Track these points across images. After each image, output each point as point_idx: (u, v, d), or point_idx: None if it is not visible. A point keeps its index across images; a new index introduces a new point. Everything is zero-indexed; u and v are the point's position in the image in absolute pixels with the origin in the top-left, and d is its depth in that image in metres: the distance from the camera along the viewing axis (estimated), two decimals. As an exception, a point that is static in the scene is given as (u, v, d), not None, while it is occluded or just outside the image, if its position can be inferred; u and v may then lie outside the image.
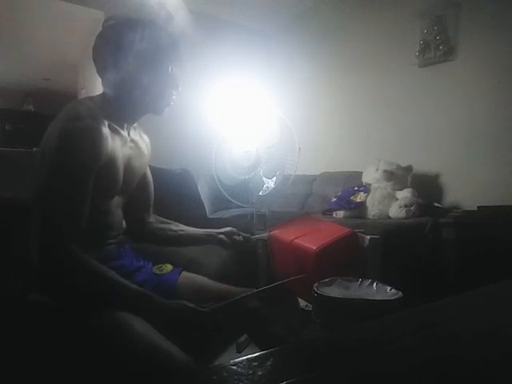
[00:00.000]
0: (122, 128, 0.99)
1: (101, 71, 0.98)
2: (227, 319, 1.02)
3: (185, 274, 1.17)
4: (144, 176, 1.15)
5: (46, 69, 5.33)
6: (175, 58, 1.00)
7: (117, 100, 0.97)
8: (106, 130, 0.89)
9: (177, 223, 1.25)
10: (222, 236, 1.22)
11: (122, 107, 0.98)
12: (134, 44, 0.92)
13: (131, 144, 1.04)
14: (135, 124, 1.07)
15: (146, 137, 1.15)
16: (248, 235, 1.27)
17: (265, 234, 1.52)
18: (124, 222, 1.11)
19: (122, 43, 0.92)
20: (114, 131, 0.94)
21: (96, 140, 0.86)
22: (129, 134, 1.03)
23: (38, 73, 5.53)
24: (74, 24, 3.79)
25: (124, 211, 1.09)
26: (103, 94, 1.00)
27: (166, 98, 1.01)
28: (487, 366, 0.46)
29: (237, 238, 1.23)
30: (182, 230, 1.22)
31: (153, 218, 1.22)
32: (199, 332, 0.92)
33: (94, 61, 0.98)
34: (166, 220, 1.25)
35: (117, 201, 1.02)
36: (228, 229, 1.24)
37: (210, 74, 3.24)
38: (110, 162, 0.92)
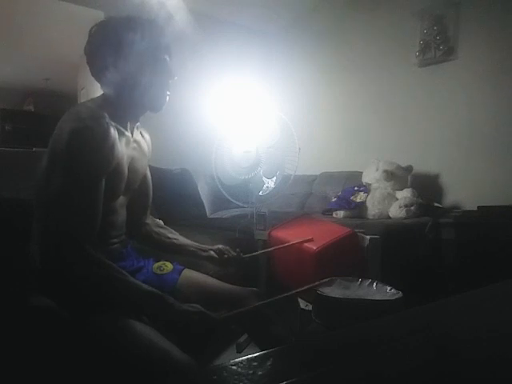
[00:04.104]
0: (126, 128, 0.99)
1: (96, 74, 0.99)
2: (237, 326, 1.02)
3: (185, 273, 1.17)
4: (144, 176, 1.15)
5: (46, 69, 5.33)
6: (163, 46, 1.00)
7: (117, 100, 0.97)
8: (115, 131, 0.90)
9: (173, 231, 1.25)
10: (212, 253, 1.21)
11: (122, 106, 0.98)
12: (123, 41, 0.93)
13: (134, 144, 1.04)
14: (138, 123, 1.08)
15: (147, 135, 1.15)
16: (239, 255, 1.25)
17: (262, 251, 1.50)
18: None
19: (110, 44, 0.94)
20: (119, 132, 0.95)
21: (109, 141, 0.87)
22: (132, 134, 1.03)
23: (38, 73, 5.52)
24: (74, 24, 3.78)
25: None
26: (102, 95, 1.00)
27: (162, 88, 1.01)
28: (487, 366, 0.46)
29: (227, 256, 1.22)
30: (175, 239, 1.22)
31: (150, 220, 1.22)
32: (208, 337, 0.92)
33: (89, 65, 0.99)
34: (162, 225, 1.25)
35: (121, 200, 1.02)
36: (220, 246, 1.24)
37: (210, 73, 3.24)
38: (117, 163, 0.93)
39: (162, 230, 1.22)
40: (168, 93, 1.02)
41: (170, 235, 1.22)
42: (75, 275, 0.83)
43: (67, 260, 0.81)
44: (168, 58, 1.01)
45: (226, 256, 1.22)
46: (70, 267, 0.82)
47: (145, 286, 0.87)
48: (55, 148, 0.87)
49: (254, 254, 1.36)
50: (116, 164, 0.91)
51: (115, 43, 0.93)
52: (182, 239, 1.23)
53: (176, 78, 1.02)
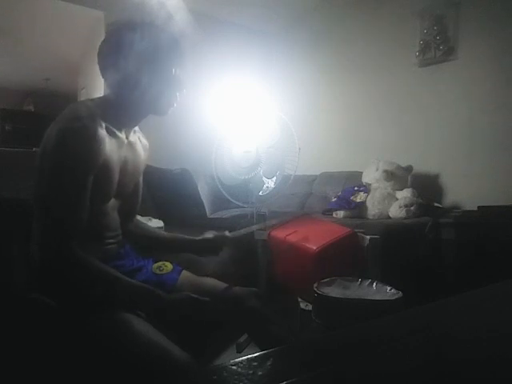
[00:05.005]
0: (120, 130, 0.99)
1: (105, 75, 0.99)
2: (228, 311, 1.02)
3: (185, 273, 1.17)
4: (137, 182, 1.15)
5: (46, 69, 5.33)
6: (178, 60, 1.00)
7: (119, 102, 0.97)
8: (102, 132, 0.90)
9: (157, 229, 1.24)
10: (200, 245, 1.19)
11: (124, 109, 0.98)
12: (138, 47, 0.93)
13: (128, 147, 1.04)
14: (136, 127, 1.07)
15: (145, 140, 1.14)
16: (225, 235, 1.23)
17: (250, 228, 1.45)
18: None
19: (125, 47, 0.93)
20: (111, 133, 0.94)
21: (92, 140, 0.87)
22: (127, 137, 1.03)
23: (38, 73, 5.53)
24: (74, 24, 3.79)
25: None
26: (104, 96, 1.00)
27: (170, 99, 1.01)
28: (487, 366, 0.46)
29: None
30: (160, 237, 1.21)
31: (135, 221, 1.21)
32: (201, 322, 0.92)
33: (99, 65, 0.99)
34: (145, 225, 1.25)
35: (113, 203, 1.02)
36: (209, 237, 1.20)
37: (210, 74, 3.24)
38: (106, 164, 0.92)
39: (145, 230, 1.22)
40: (175, 104, 1.02)
41: (152, 233, 1.22)
42: (62, 273, 0.85)
43: (52, 256, 0.83)
44: (180, 72, 1.01)
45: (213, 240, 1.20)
46: (56, 265, 0.83)
47: (130, 281, 0.88)
48: (44, 147, 0.89)
49: (240, 231, 1.32)
50: (103, 165, 0.91)
51: (130, 46, 0.93)
52: (167, 235, 1.23)
53: (185, 90, 1.02)
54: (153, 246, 1.21)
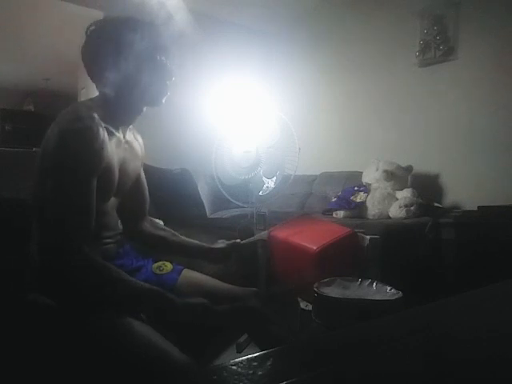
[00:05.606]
0: (117, 129, 0.99)
1: (92, 76, 0.99)
2: (239, 320, 1.02)
3: (185, 273, 1.17)
4: (138, 178, 1.14)
5: (46, 69, 5.34)
6: (162, 48, 1.00)
7: (112, 100, 0.97)
8: (103, 132, 0.90)
9: (173, 232, 1.23)
10: (213, 254, 1.20)
11: (117, 107, 0.98)
12: (117, 43, 0.93)
13: (126, 145, 1.04)
14: (131, 125, 1.07)
15: (140, 138, 1.15)
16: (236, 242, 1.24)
17: (258, 235, 1.47)
18: (119, 223, 1.11)
19: (105, 44, 0.94)
20: (109, 133, 0.94)
21: (95, 142, 0.87)
22: (124, 136, 1.03)
23: (38, 73, 5.53)
24: (74, 24, 3.78)
25: (119, 213, 1.09)
26: (99, 96, 1.00)
27: (160, 88, 1.01)
28: (487, 366, 0.46)
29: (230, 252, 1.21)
30: (174, 241, 1.20)
31: (148, 222, 1.21)
32: (212, 330, 0.92)
33: (86, 68, 0.99)
34: (161, 226, 1.24)
35: (112, 202, 1.02)
36: (222, 246, 1.21)
37: (209, 73, 3.24)
38: (108, 165, 0.92)
39: (159, 232, 1.21)
40: (168, 93, 1.02)
41: (168, 237, 1.21)
42: (73, 276, 0.83)
43: (64, 261, 0.81)
44: (165, 59, 1.00)
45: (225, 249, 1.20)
46: (67, 268, 0.82)
47: (144, 284, 0.87)
48: (46, 148, 0.88)
49: (250, 239, 1.33)
50: (106, 165, 0.91)
51: (110, 43, 0.93)
52: (182, 239, 1.22)
53: (174, 79, 1.02)
54: (166, 248, 1.20)
